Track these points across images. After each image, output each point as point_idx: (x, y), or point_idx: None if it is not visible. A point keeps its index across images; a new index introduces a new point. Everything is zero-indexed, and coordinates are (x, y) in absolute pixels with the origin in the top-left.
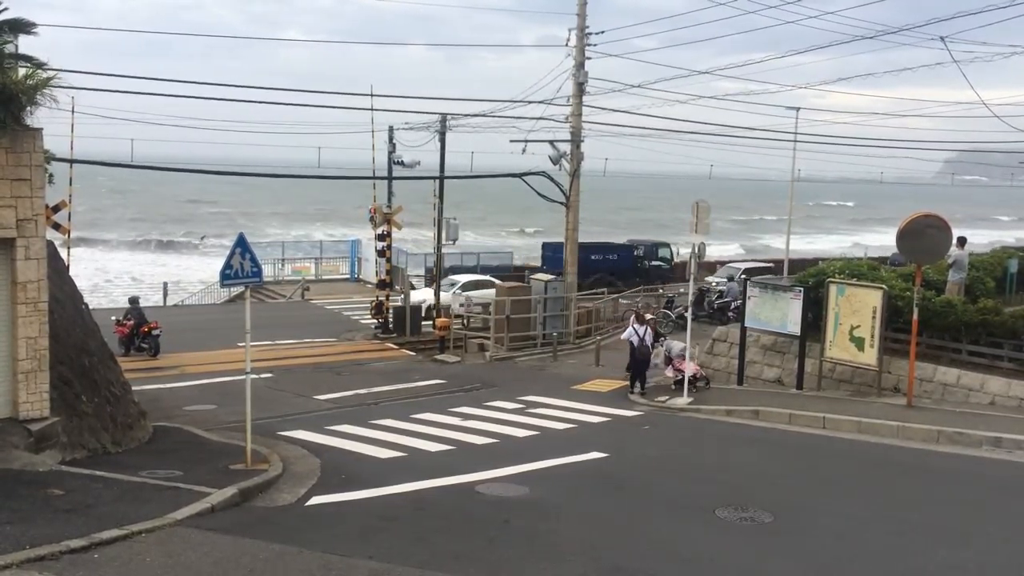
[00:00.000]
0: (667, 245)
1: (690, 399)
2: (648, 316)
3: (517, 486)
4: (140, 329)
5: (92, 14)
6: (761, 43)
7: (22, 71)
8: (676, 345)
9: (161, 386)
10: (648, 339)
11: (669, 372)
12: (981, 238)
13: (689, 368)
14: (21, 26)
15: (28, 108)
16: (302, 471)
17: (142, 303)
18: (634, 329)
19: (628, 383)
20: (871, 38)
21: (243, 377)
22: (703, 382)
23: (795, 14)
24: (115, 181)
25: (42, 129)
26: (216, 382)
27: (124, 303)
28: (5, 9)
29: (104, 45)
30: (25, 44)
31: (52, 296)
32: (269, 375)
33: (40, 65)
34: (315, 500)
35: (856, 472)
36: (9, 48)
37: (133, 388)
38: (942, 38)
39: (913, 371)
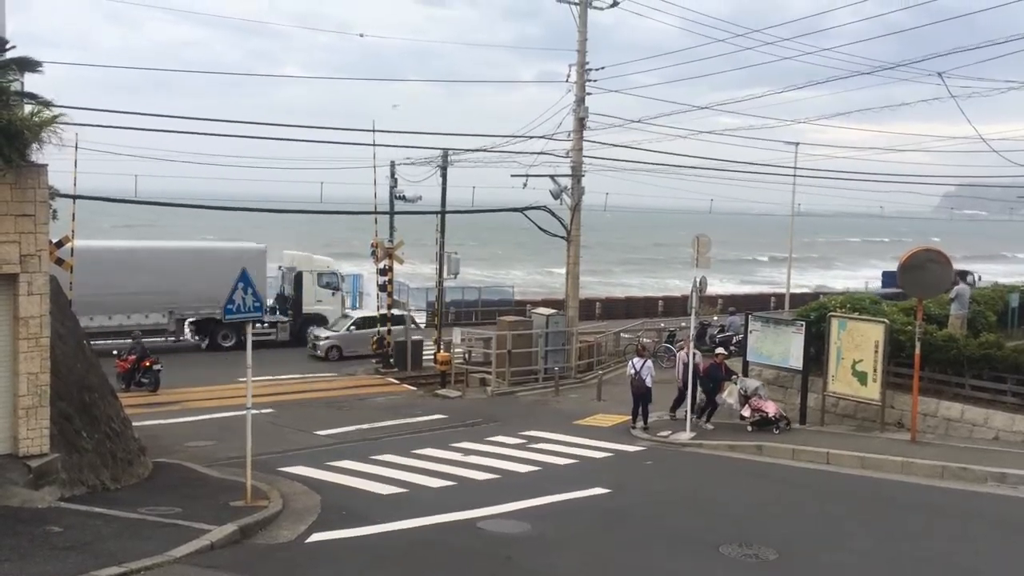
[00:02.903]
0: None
1: (693, 434)
2: (719, 351)
3: (519, 522)
4: (141, 364)
5: (96, 52)
6: (760, 78)
7: (28, 108)
8: (751, 383)
9: (162, 422)
10: (645, 373)
11: (746, 412)
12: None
13: (771, 408)
14: (27, 64)
15: (34, 145)
16: (302, 507)
17: (152, 338)
18: (632, 363)
19: (630, 418)
20: (868, 74)
21: (244, 412)
22: (784, 422)
23: (793, 51)
24: (121, 217)
25: (47, 165)
26: (217, 417)
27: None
28: (12, 47)
29: (108, 82)
30: (31, 82)
31: (54, 331)
32: (270, 410)
33: (46, 103)
34: (315, 537)
35: (861, 508)
36: (15, 86)
37: (134, 424)
38: (939, 74)
39: (916, 406)
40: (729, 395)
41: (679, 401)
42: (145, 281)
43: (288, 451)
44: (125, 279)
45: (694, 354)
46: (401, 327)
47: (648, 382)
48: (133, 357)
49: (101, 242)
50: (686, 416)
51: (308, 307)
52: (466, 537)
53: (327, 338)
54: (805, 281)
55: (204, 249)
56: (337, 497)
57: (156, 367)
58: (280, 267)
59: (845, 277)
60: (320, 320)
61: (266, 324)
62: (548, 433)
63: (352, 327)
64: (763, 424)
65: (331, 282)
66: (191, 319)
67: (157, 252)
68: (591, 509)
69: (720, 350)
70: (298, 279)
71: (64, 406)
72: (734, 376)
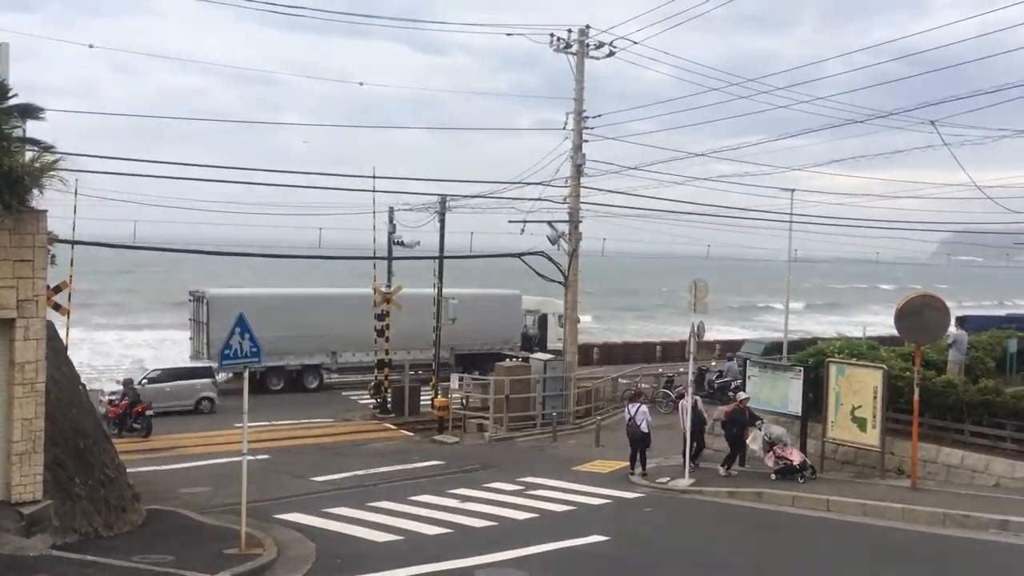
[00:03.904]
0: None
1: (692, 480)
2: (741, 395)
3: (517, 571)
4: (133, 409)
5: (102, 101)
6: (755, 126)
7: (29, 154)
8: (776, 429)
9: (156, 468)
10: (640, 418)
11: (770, 462)
12: None
13: (796, 456)
14: (30, 111)
15: (34, 191)
16: (297, 555)
17: (142, 383)
18: (628, 409)
19: (629, 464)
20: (862, 122)
21: (240, 458)
22: (810, 471)
23: (787, 99)
24: (119, 263)
25: (46, 211)
26: (212, 463)
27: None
28: (14, 95)
29: (109, 129)
30: (33, 129)
31: (49, 376)
32: (266, 456)
33: (47, 149)
34: None
35: (863, 557)
36: (17, 132)
37: (128, 470)
38: (932, 122)
39: (916, 452)
40: (753, 441)
41: (732, 456)
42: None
43: (284, 497)
44: (422, 320)
45: (696, 400)
46: None
47: (644, 427)
48: (125, 402)
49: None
50: (684, 462)
51: (551, 344)
52: None
53: (112, 393)
54: (817, 327)
55: (476, 295)
56: (333, 545)
57: (148, 412)
58: (526, 310)
59: (848, 324)
60: (559, 355)
61: (520, 359)
62: (546, 479)
63: (145, 381)
64: (788, 473)
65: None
66: (460, 353)
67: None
68: (590, 557)
69: (742, 395)
70: (542, 320)
71: (58, 452)
72: (759, 422)
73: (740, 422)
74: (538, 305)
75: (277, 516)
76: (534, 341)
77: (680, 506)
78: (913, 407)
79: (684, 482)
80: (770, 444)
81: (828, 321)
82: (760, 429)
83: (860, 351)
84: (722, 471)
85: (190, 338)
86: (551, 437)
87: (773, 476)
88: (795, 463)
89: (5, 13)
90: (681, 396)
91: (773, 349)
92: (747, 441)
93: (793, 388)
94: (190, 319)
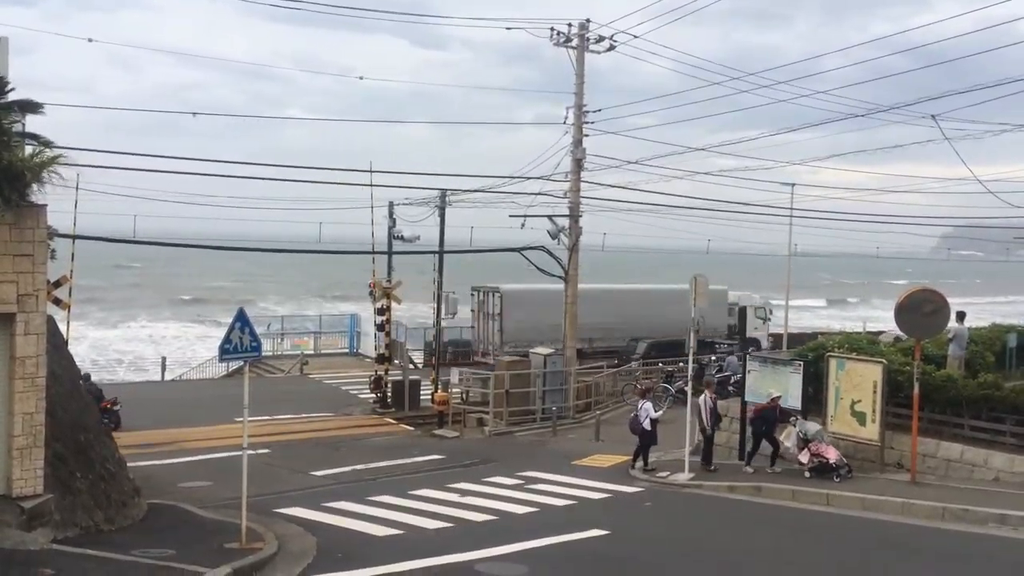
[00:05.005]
0: None
1: (692, 475)
2: (773, 393)
3: (516, 565)
4: (101, 405)
5: (101, 95)
6: (755, 121)
7: (29, 149)
8: (812, 426)
9: (157, 462)
10: (642, 415)
11: (804, 458)
12: None
13: (832, 454)
14: (29, 106)
15: (34, 185)
16: (298, 550)
17: (148, 378)
18: (636, 405)
19: (631, 458)
20: (862, 116)
21: (240, 453)
22: (845, 469)
23: (787, 93)
24: (119, 257)
25: (46, 205)
26: (213, 458)
27: (119, 377)
28: (12, 89)
29: (110, 124)
30: (33, 123)
31: (50, 371)
32: (266, 451)
33: (47, 144)
34: None
35: (864, 552)
36: (16, 127)
37: (128, 464)
38: (933, 116)
39: (916, 446)
40: (786, 438)
41: (753, 450)
42: (643, 313)
43: (284, 492)
44: (635, 312)
45: (714, 397)
46: None
47: (646, 424)
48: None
49: (625, 285)
50: (685, 457)
51: (749, 333)
52: None
53: None
54: (819, 322)
55: (679, 290)
56: (333, 539)
57: (116, 407)
58: (729, 303)
59: (855, 320)
60: (755, 343)
61: (726, 345)
62: (546, 474)
63: None
64: (822, 471)
65: (761, 314)
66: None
67: (650, 292)
68: (589, 552)
69: (773, 392)
70: (742, 312)
71: (59, 447)
72: (792, 418)
73: (770, 420)
74: (736, 299)
75: (278, 510)
76: (735, 330)
77: (680, 500)
78: (913, 401)
79: (684, 476)
80: (805, 441)
81: (828, 315)
82: (795, 426)
83: (860, 346)
84: (769, 469)
85: (471, 326)
86: (551, 431)
87: (807, 474)
88: (831, 461)
89: (4, 7)
90: (681, 390)
91: (658, 347)
92: (781, 438)
93: (793, 382)
94: (472, 310)
